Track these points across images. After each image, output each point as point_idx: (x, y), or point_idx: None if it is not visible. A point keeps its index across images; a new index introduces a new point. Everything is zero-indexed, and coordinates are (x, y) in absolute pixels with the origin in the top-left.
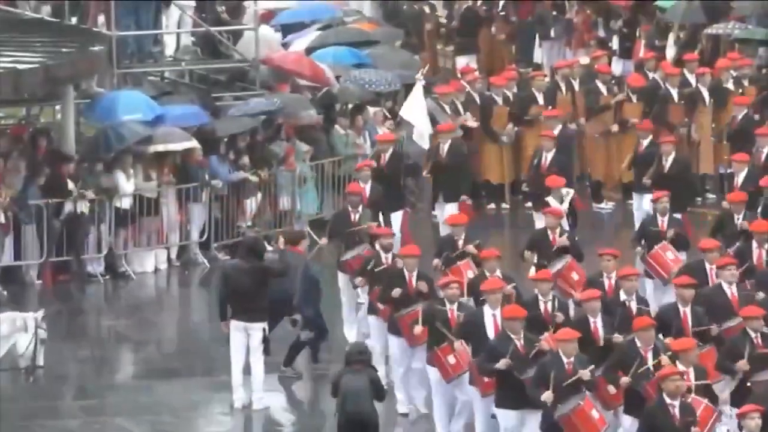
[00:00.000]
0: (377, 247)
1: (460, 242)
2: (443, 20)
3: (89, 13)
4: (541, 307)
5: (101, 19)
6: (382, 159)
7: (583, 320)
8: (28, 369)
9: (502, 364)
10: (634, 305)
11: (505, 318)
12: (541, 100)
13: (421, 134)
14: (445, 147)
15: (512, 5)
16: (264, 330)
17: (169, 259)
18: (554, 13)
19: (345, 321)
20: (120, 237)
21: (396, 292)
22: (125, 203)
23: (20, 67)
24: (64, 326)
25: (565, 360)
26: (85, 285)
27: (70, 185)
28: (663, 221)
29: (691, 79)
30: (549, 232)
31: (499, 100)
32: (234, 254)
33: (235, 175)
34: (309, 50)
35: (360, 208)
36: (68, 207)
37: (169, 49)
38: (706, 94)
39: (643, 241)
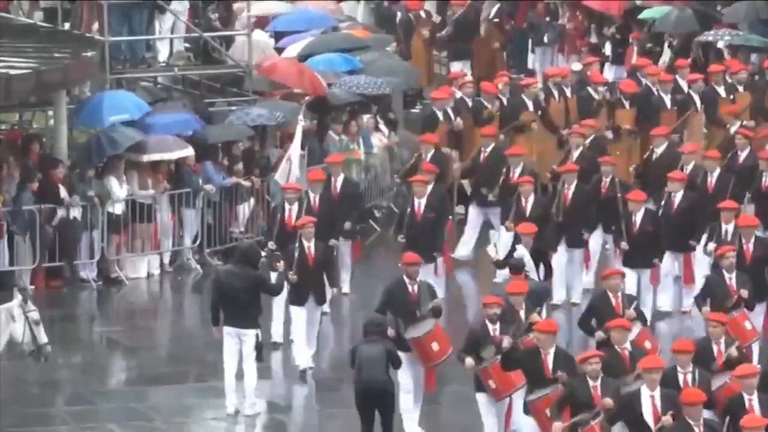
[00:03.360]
0: (483, 317)
1: (522, 312)
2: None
3: (82, 18)
4: (680, 378)
5: (95, 25)
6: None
7: (738, 398)
8: (34, 353)
9: None
10: None
11: (685, 404)
12: (531, 106)
13: (283, 173)
14: (487, 151)
15: (508, 7)
16: (257, 336)
17: (161, 265)
18: (547, 19)
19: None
20: (113, 242)
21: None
22: (118, 209)
23: (12, 72)
24: (57, 332)
25: None
26: (78, 290)
27: (63, 191)
28: (730, 278)
29: (684, 85)
30: (610, 295)
31: (489, 105)
32: (228, 260)
33: (227, 181)
34: (302, 57)
35: (418, 279)
36: (61, 212)
37: (162, 55)
38: (698, 100)
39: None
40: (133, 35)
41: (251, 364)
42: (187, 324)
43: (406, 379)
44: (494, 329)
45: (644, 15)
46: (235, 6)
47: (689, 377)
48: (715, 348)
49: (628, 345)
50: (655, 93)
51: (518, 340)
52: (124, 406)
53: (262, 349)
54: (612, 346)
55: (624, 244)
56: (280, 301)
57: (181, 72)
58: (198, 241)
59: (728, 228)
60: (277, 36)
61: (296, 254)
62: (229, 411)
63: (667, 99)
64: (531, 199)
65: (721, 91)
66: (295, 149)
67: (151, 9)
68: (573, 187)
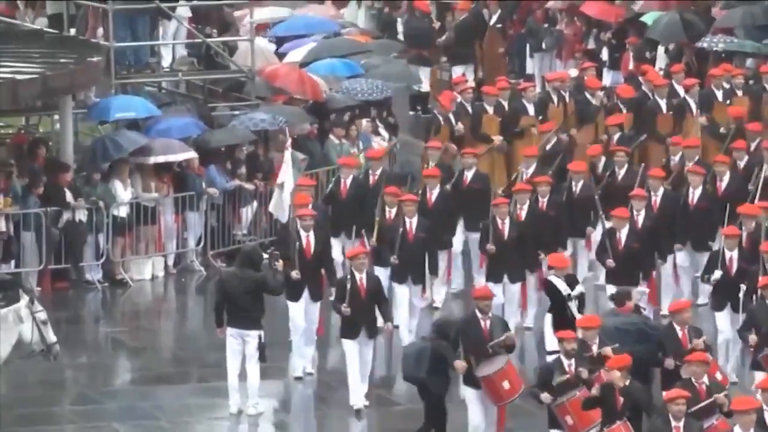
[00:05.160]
0: (560, 353)
1: (594, 346)
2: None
3: (88, 24)
4: (766, 417)
5: (100, 30)
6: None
7: None
8: (44, 351)
9: None
10: None
11: None
12: (531, 111)
13: (277, 205)
14: (376, 174)
15: (510, 11)
16: (259, 337)
17: (166, 267)
18: (546, 25)
19: None
20: (118, 245)
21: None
22: (122, 211)
23: (19, 77)
24: (63, 333)
25: None
26: (84, 292)
27: (68, 195)
28: None
29: (680, 90)
30: (677, 328)
31: (491, 110)
32: (231, 262)
33: (230, 184)
34: (303, 63)
35: (490, 314)
36: (66, 215)
37: (166, 61)
38: (693, 104)
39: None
40: (137, 41)
41: (254, 364)
42: (191, 325)
43: (477, 420)
44: (569, 364)
45: (645, 18)
46: (237, 13)
47: None
48: None
49: (705, 379)
50: (651, 98)
51: (592, 377)
52: (129, 406)
53: (264, 350)
54: (684, 379)
55: (610, 262)
56: (310, 335)
57: (185, 77)
58: (202, 244)
59: (733, 255)
60: (279, 41)
61: (348, 286)
62: (232, 411)
63: (663, 103)
64: (507, 221)
65: (719, 95)
66: (285, 177)
67: (155, 15)
68: (526, 207)
